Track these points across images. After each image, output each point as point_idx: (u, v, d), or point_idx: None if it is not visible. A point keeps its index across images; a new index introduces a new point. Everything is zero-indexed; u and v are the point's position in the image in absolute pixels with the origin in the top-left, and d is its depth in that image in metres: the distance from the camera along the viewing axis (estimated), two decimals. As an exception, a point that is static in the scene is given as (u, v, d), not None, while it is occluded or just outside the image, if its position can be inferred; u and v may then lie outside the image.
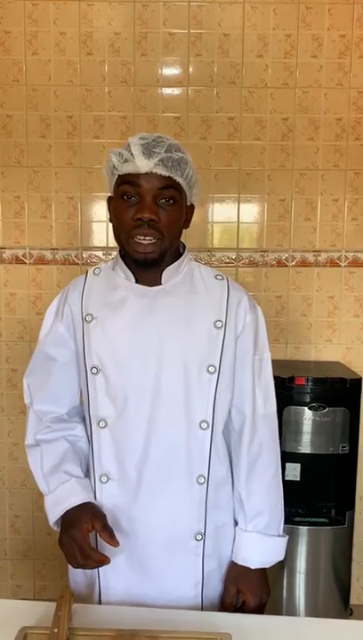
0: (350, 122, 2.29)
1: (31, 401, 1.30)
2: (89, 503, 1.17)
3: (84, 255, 2.36)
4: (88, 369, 1.21)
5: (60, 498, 1.18)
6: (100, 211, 2.34)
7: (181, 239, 1.28)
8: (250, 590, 1.22)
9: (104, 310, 1.22)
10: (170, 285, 1.22)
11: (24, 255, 2.36)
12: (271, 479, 1.26)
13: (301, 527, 2.06)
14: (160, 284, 1.23)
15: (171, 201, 1.16)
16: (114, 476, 1.21)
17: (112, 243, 2.35)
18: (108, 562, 1.10)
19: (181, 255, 1.26)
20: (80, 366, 1.24)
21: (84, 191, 2.33)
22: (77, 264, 2.37)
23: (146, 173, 1.14)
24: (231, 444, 1.29)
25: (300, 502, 2.06)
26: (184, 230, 1.27)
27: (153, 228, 1.15)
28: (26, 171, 2.32)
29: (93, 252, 2.36)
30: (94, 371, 1.21)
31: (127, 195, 1.16)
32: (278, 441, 1.29)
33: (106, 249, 2.35)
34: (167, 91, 2.30)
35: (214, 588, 1.24)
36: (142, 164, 1.13)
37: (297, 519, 2.06)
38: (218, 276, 1.27)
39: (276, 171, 2.31)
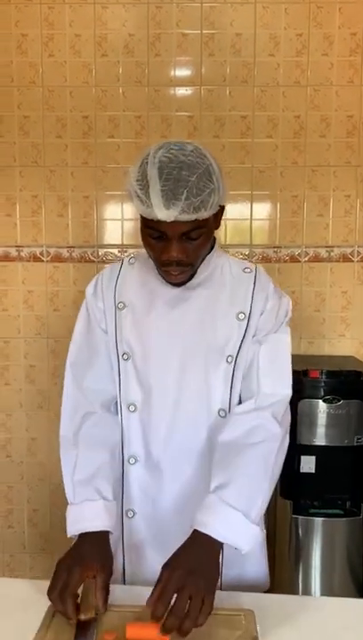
0: (362, 118, 2.32)
1: (77, 382, 1.26)
2: (107, 537, 1.12)
3: (100, 253, 2.40)
4: (120, 355, 1.24)
5: (82, 516, 1.14)
6: (115, 209, 2.39)
7: None
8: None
9: (135, 299, 1.25)
10: (199, 279, 1.24)
11: (41, 253, 2.41)
12: (264, 461, 1.13)
13: (316, 519, 2.08)
14: None
15: (198, 235, 1.13)
16: (141, 459, 1.24)
17: (127, 240, 2.39)
18: (74, 621, 0.97)
19: (211, 248, 1.26)
20: (112, 351, 1.26)
21: (99, 190, 2.38)
22: (93, 262, 2.41)
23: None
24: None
25: (315, 494, 2.09)
26: None
27: (181, 264, 1.15)
28: (43, 170, 2.37)
29: (109, 250, 2.40)
30: (125, 357, 1.24)
31: (151, 235, 1.14)
32: (285, 429, 1.19)
33: (121, 246, 2.39)
34: (181, 90, 2.34)
35: (234, 570, 1.25)
36: (163, 215, 1.07)
37: (312, 511, 2.08)
38: (246, 269, 1.27)
39: (288, 168, 2.35)
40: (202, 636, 0.94)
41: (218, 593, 1.11)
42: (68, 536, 1.16)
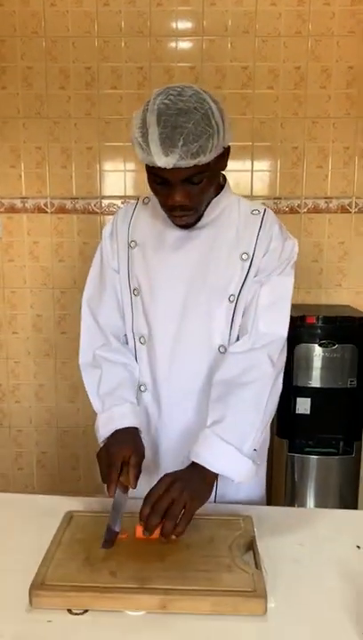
0: (362, 70, 2.34)
1: (93, 314, 1.35)
2: (137, 431, 1.24)
3: (103, 204, 2.46)
4: (131, 290, 1.32)
5: (113, 418, 1.25)
6: (118, 160, 2.43)
7: None
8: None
9: (146, 238, 1.32)
10: (206, 220, 1.28)
11: (46, 204, 2.46)
12: (256, 399, 1.19)
13: (311, 457, 2.20)
14: None
15: (201, 179, 1.16)
16: (149, 387, 1.34)
17: (130, 192, 2.44)
18: (129, 486, 1.14)
19: (221, 188, 1.29)
20: (124, 288, 1.34)
21: (102, 141, 2.41)
22: (97, 213, 2.46)
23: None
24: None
25: (310, 434, 2.20)
26: None
27: (185, 208, 1.19)
28: (46, 122, 2.40)
29: (112, 201, 2.45)
30: (136, 292, 1.32)
31: (155, 181, 1.17)
32: (278, 369, 1.23)
33: (124, 197, 2.44)
34: (182, 41, 2.35)
35: (227, 492, 1.32)
36: (162, 162, 1.09)
37: (307, 450, 2.20)
38: (254, 211, 1.30)
39: (289, 119, 2.38)
40: (203, 537, 1.05)
41: (217, 505, 1.22)
42: (100, 442, 1.25)
